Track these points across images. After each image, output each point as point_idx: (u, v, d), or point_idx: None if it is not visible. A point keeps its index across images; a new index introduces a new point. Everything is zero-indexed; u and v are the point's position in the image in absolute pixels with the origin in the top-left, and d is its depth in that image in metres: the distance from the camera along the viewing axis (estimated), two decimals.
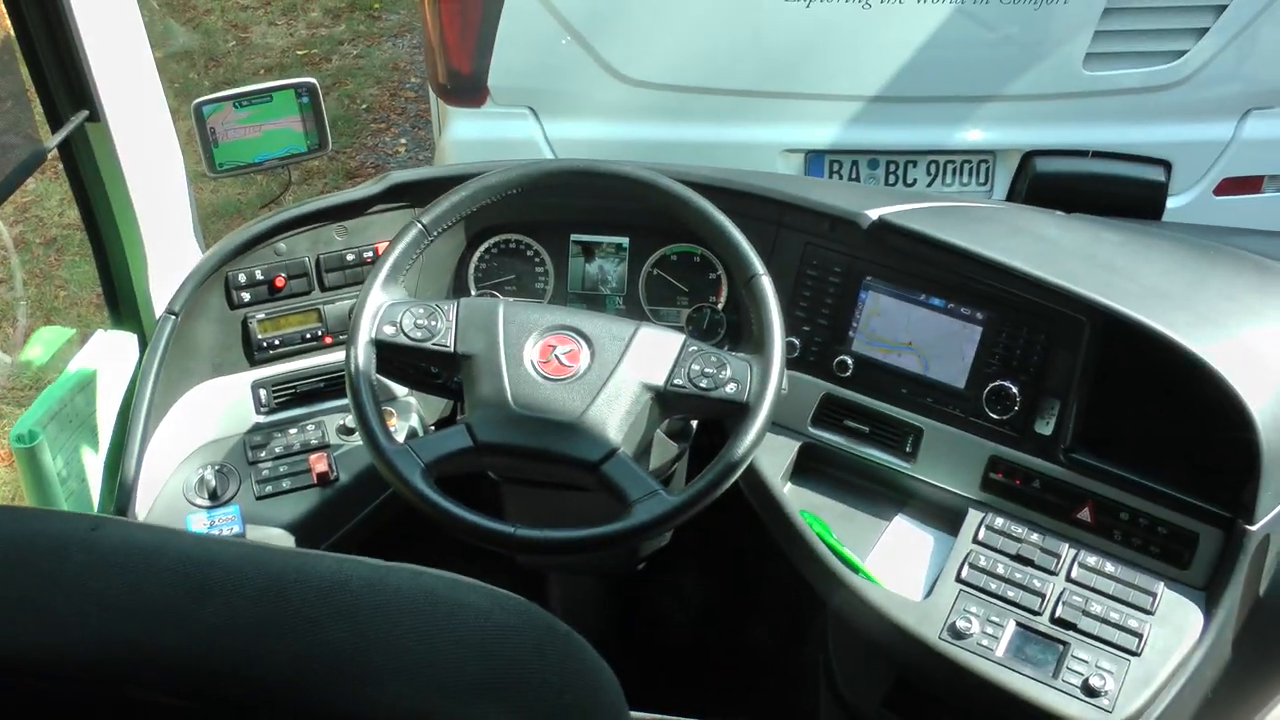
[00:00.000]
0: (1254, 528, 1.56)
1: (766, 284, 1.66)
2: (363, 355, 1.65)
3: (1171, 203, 3.34)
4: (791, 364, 1.91)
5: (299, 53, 5.87)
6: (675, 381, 1.64)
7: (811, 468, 1.91)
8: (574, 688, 0.71)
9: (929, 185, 3.39)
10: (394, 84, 5.65)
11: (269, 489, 1.89)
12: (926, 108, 3.32)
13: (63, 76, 1.74)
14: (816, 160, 3.39)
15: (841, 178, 3.40)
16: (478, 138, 3.40)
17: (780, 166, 3.36)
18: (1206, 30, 3.16)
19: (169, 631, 0.66)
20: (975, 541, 1.72)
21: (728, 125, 3.38)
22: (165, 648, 0.65)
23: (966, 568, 1.69)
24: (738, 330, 2.02)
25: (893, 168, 3.40)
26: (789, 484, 1.89)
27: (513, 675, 0.70)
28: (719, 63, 3.29)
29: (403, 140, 5.27)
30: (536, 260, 2.08)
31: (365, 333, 1.66)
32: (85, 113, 1.76)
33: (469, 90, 3.36)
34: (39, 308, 4.32)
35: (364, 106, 5.48)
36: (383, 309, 1.68)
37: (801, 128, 3.37)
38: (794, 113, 3.35)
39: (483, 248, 2.08)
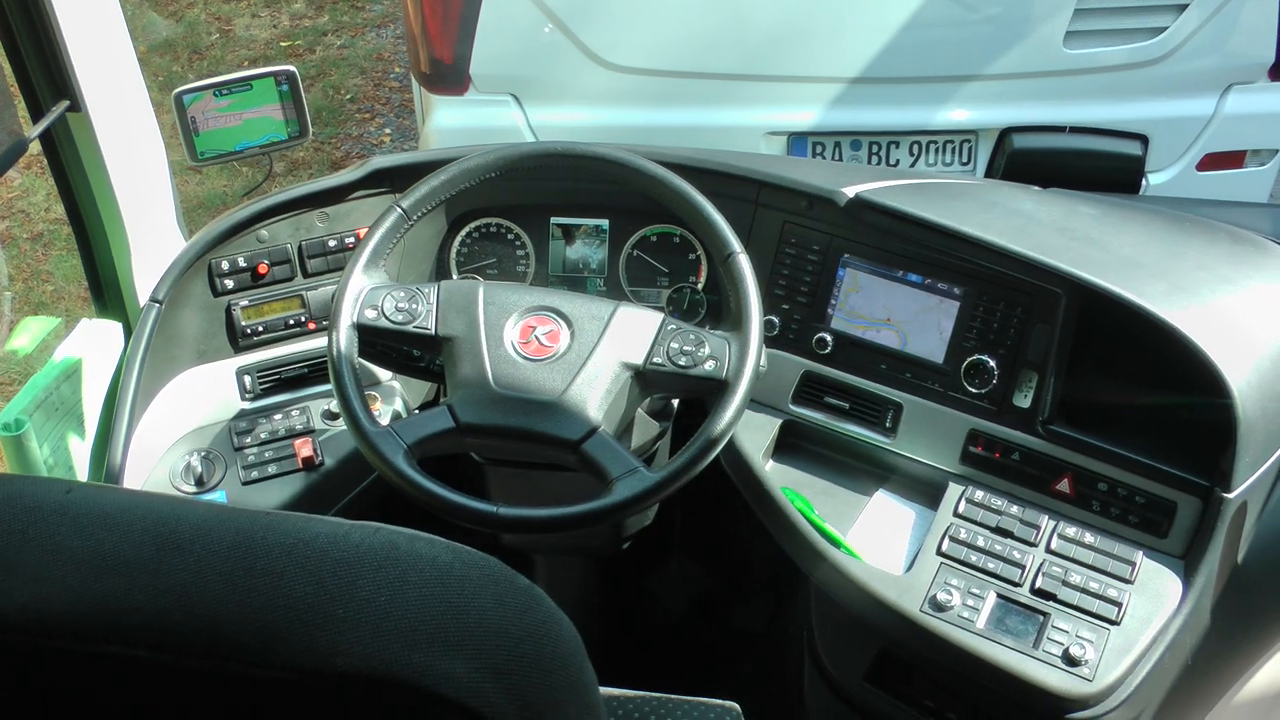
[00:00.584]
0: (1231, 495, 1.58)
1: (744, 261, 1.67)
2: (344, 339, 1.66)
3: (1155, 178, 3.37)
4: (771, 342, 1.93)
5: (283, 44, 5.87)
6: (654, 360, 1.66)
7: (793, 445, 1.92)
8: (533, 637, 0.73)
9: (912, 165, 3.41)
10: (378, 74, 5.65)
11: (255, 474, 1.90)
12: (908, 88, 3.34)
13: (43, 66, 1.74)
14: (799, 142, 3.40)
15: (823, 158, 3.41)
16: (461, 125, 3.41)
17: (764, 149, 3.38)
18: (1186, 6, 3.18)
19: (138, 588, 0.68)
20: (955, 515, 1.73)
21: (711, 109, 3.39)
22: (136, 605, 0.67)
23: (947, 540, 1.70)
24: (718, 310, 2.03)
25: (875, 148, 3.41)
26: (771, 461, 1.90)
27: (471, 625, 0.71)
28: (701, 47, 3.30)
29: (387, 130, 5.27)
30: (517, 243, 2.09)
31: (347, 317, 1.67)
32: (66, 103, 1.77)
33: (451, 78, 3.37)
34: (25, 302, 4.32)
35: (348, 97, 5.48)
36: (364, 293, 1.69)
37: (784, 110, 3.38)
38: (776, 95, 3.37)
39: (464, 232, 2.09)
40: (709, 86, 3.36)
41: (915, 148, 3.40)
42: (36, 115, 1.77)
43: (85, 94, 1.78)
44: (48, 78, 1.75)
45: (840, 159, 3.41)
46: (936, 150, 3.40)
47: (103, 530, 0.70)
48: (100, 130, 1.82)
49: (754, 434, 1.87)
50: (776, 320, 1.94)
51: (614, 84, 3.35)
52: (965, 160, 3.40)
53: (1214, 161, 3.38)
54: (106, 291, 1.98)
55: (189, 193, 4.80)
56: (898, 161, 3.41)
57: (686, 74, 3.35)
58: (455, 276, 2.08)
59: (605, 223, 2.07)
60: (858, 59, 3.30)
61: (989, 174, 2.49)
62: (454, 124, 3.42)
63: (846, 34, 3.28)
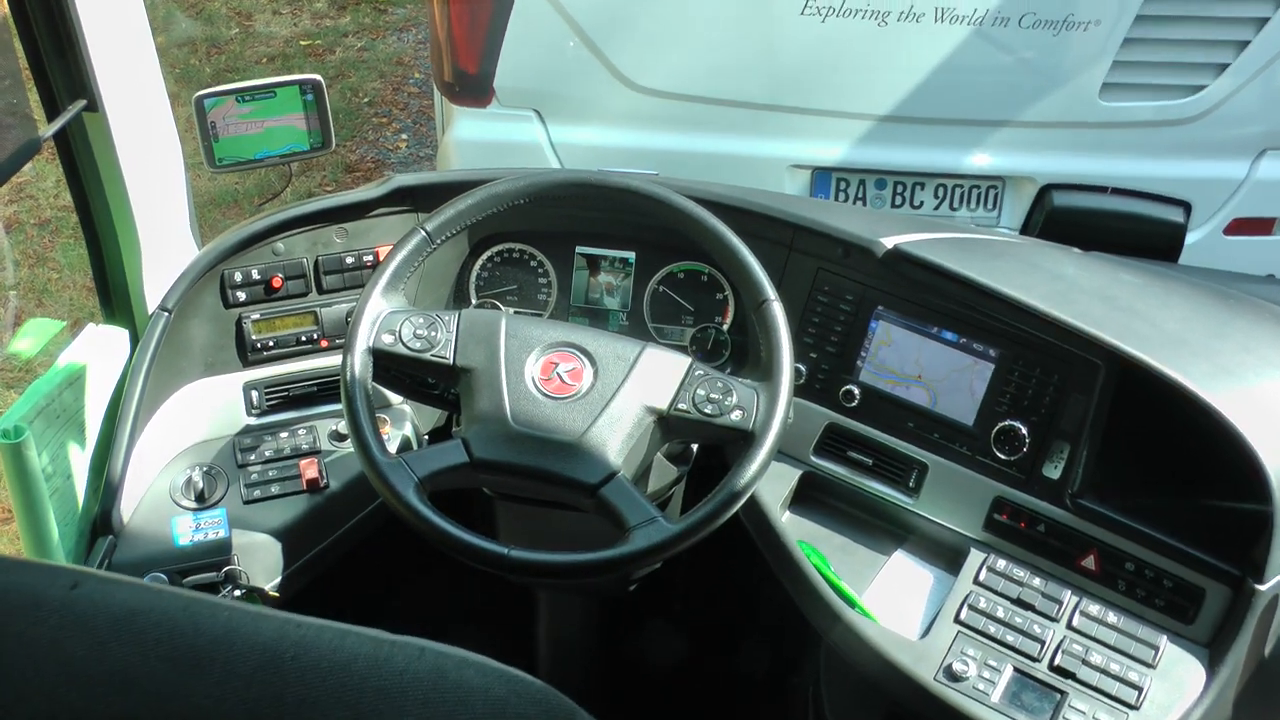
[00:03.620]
0: (1264, 588, 1.53)
1: (778, 310, 1.63)
2: (359, 363, 1.62)
3: None
4: (797, 391, 1.88)
5: (302, 43, 5.83)
6: (679, 406, 1.61)
7: (812, 497, 1.88)
8: None
9: (936, 209, 3.37)
10: (397, 78, 5.61)
11: (257, 493, 1.86)
12: (937, 130, 3.30)
13: (62, 65, 1.70)
14: (823, 177, 3.36)
15: (848, 197, 3.38)
16: (481, 139, 3.37)
17: (787, 182, 3.34)
18: (1227, 66, 3.14)
19: (148, 713, 0.60)
20: (976, 582, 1.69)
21: (735, 138, 3.35)
22: None
23: (966, 609, 1.66)
24: (743, 352, 1.99)
25: (900, 189, 3.37)
26: (788, 512, 1.86)
27: None
28: (729, 74, 3.27)
29: (404, 136, 5.24)
30: (540, 271, 2.05)
31: (363, 340, 1.63)
32: (83, 102, 1.73)
33: (475, 90, 3.33)
34: (31, 289, 4.27)
35: (366, 100, 5.44)
36: (382, 317, 1.65)
37: (810, 144, 3.34)
38: (803, 128, 3.33)
39: (485, 256, 2.05)
40: (735, 115, 3.32)
41: (941, 190, 3.36)
42: (52, 114, 1.73)
43: (104, 95, 1.73)
44: (65, 76, 1.71)
45: (864, 197, 3.37)
46: (962, 195, 3.36)
47: (111, 638, 0.62)
48: (117, 132, 1.77)
49: (773, 484, 1.83)
50: (803, 369, 1.90)
51: (639, 106, 3.31)
52: (990, 206, 3.36)
53: (1242, 226, 3.34)
54: (114, 297, 1.94)
55: (200, 188, 4.76)
56: (922, 204, 3.37)
57: (713, 100, 3.31)
58: (474, 301, 2.04)
59: (632, 255, 2.03)
60: (888, 97, 3.26)
61: (1026, 229, 2.45)
62: (474, 137, 3.37)
63: (878, 71, 3.24)
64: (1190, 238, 3.29)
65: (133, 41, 1.78)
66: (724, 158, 3.33)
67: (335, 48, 5.82)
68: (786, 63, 3.25)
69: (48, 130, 1.70)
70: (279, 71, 5.60)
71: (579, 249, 2.03)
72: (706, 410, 1.60)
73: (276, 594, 1.83)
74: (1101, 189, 2.33)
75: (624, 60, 3.23)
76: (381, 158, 5.09)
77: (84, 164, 1.82)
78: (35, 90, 1.74)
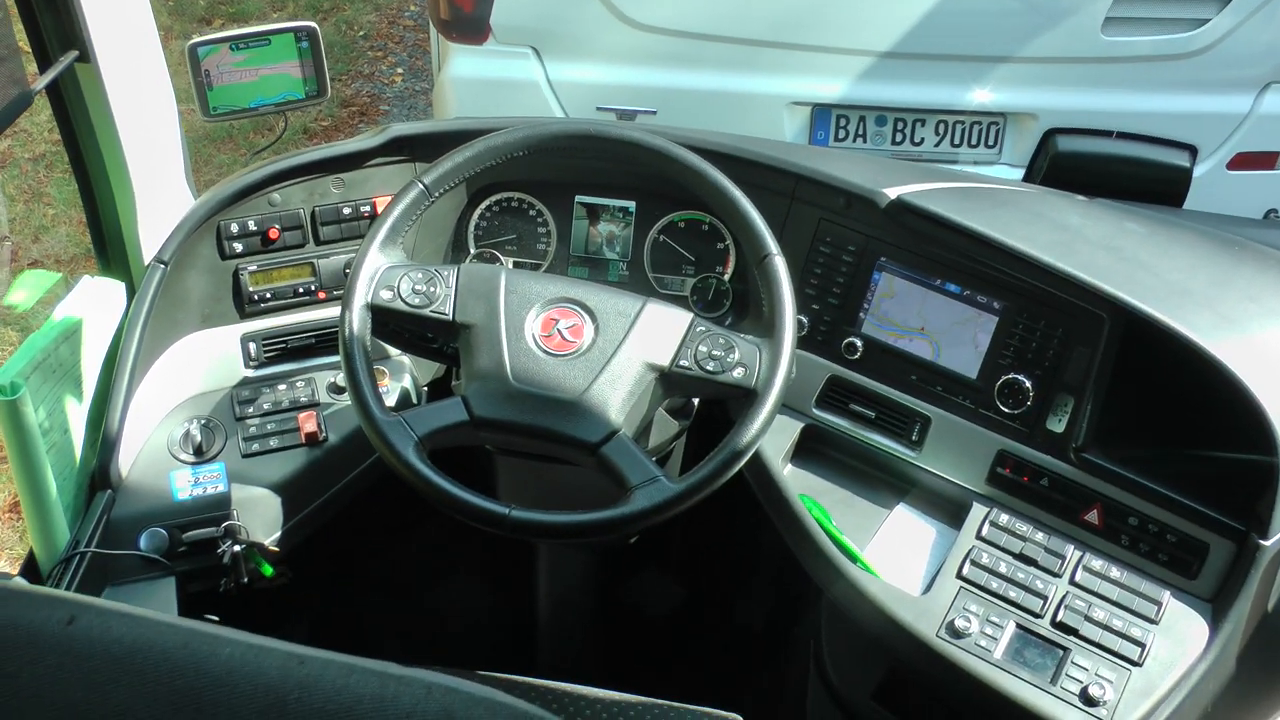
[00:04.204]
0: (1268, 542, 1.52)
1: (780, 265, 1.60)
2: (357, 320, 1.60)
3: None
4: (799, 343, 1.86)
5: None
6: (681, 363, 1.60)
7: (813, 450, 1.87)
8: None
9: (937, 145, 3.33)
10: (393, 11, 5.52)
11: (255, 447, 1.85)
12: (938, 66, 3.25)
13: (53, 15, 1.65)
14: (823, 114, 3.32)
15: (847, 134, 3.34)
16: (478, 76, 3.32)
17: (786, 120, 3.30)
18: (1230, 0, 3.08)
19: None
20: (978, 537, 1.68)
21: (734, 75, 3.30)
22: None
23: (968, 564, 1.65)
24: (744, 302, 1.97)
25: (900, 125, 3.33)
26: (789, 465, 1.85)
27: None
28: (728, 10, 3.21)
29: (399, 70, 5.16)
30: (539, 220, 2.02)
31: (361, 296, 1.61)
32: (75, 53, 1.68)
33: (471, 27, 3.27)
34: (26, 226, 4.23)
35: (361, 33, 5.35)
36: (380, 272, 1.63)
37: (809, 81, 3.30)
38: (802, 65, 3.28)
39: (484, 205, 2.02)
40: (733, 51, 3.27)
41: (941, 127, 3.32)
42: (43, 65, 1.68)
43: (95, 45, 1.69)
44: (57, 27, 1.67)
45: (864, 134, 3.33)
46: (963, 132, 3.32)
47: (109, 679, 0.60)
48: (110, 83, 1.73)
49: (774, 436, 1.81)
50: (805, 321, 1.87)
51: (637, 42, 3.26)
52: (991, 143, 3.32)
53: (1245, 161, 3.30)
54: (110, 249, 1.91)
55: (193, 122, 4.68)
56: (923, 140, 3.33)
57: (711, 37, 3.26)
58: (473, 250, 2.01)
59: (632, 204, 2.00)
60: (888, 32, 3.21)
61: (1030, 174, 2.41)
62: (471, 74, 3.32)
63: (878, 6, 3.19)
64: (1194, 171, 3.28)
65: None
66: (723, 95, 3.29)
67: None
68: None
69: (40, 82, 1.66)
70: (273, 5, 5.50)
71: (579, 198, 2.01)
72: (709, 367, 1.58)
73: (276, 548, 1.82)
74: (1107, 133, 2.29)
75: None
76: (377, 92, 5.02)
77: (77, 116, 1.78)
78: (26, 42, 1.69)
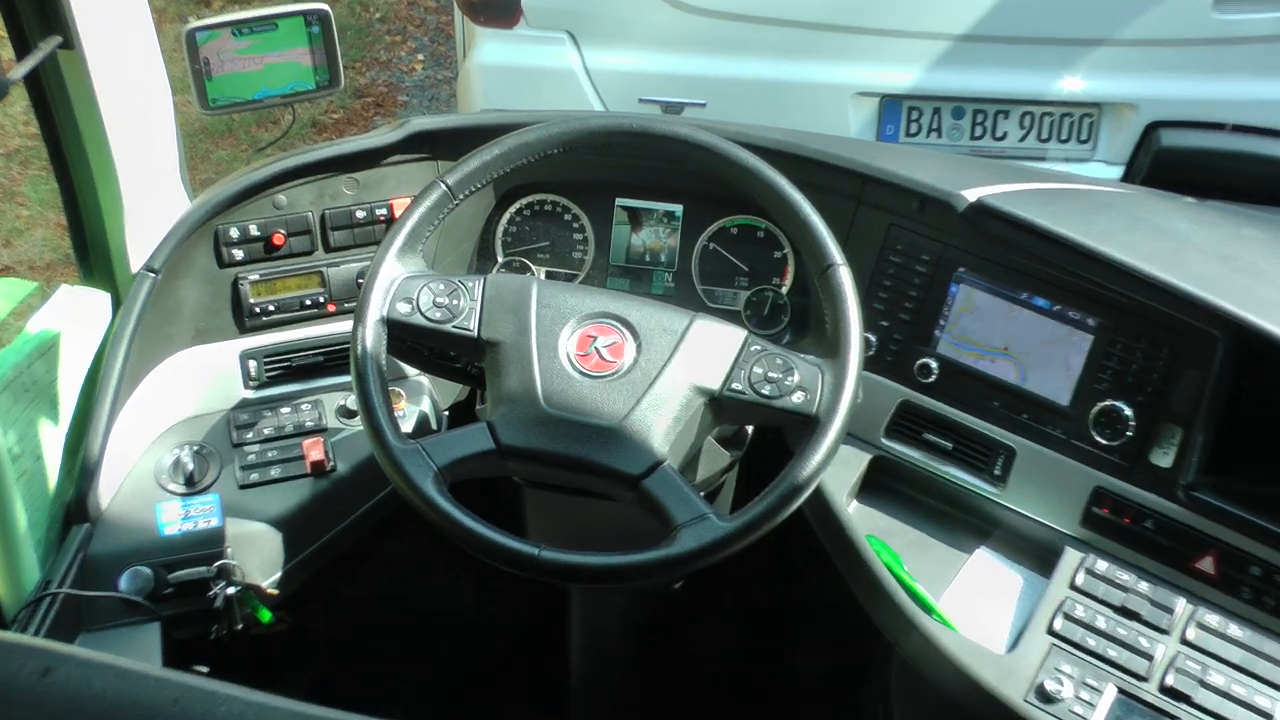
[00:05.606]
0: None
1: (845, 277, 1.59)
2: (371, 335, 1.60)
3: None
4: (866, 364, 1.85)
5: None
6: (733, 386, 1.58)
7: (882, 485, 1.85)
8: None
9: (1022, 140, 3.31)
10: None
11: (254, 476, 1.85)
12: (1024, 50, 3.23)
13: None
14: (893, 107, 3.31)
15: (921, 128, 3.33)
16: (507, 63, 3.34)
17: (851, 112, 3.29)
18: None
19: None
20: (1072, 587, 1.65)
21: (794, 62, 3.31)
22: None
23: (1060, 618, 1.62)
24: (804, 317, 1.96)
25: (981, 119, 3.32)
26: (855, 502, 1.83)
27: None
28: None
29: (420, 56, 5.20)
30: (575, 225, 2.02)
31: (376, 309, 1.61)
32: (58, 39, 1.69)
33: (500, 9, 3.29)
34: None
35: (377, 15, 5.40)
36: (398, 283, 1.63)
37: (878, 68, 3.30)
38: (870, 51, 3.28)
39: (514, 208, 2.02)
40: (793, 36, 3.27)
41: (1027, 120, 3.30)
42: (22, 52, 1.69)
43: (81, 29, 1.70)
44: (38, 10, 1.68)
45: (939, 128, 3.32)
46: (1052, 125, 3.30)
47: None
48: (96, 71, 1.74)
49: (838, 469, 1.80)
50: (874, 339, 1.86)
51: (685, 26, 3.27)
52: (1085, 138, 3.30)
53: None
54: (94, 256, 1.92)
55: (188, 114, 4.73)
56: (1005, 134, 3.31)
57: (768, 20, 3.26)
58: (500, 259, 2.02)
59: (679, 209, 1.99)
60: (967, 12, 3.20)
61: (1130, 174, 2.39)
62: (500, 61, 3.34)
63: None
64: None
65: None
66: (780, 85, 3.29)
67: None
68: None
69: (17, 70, 1.67)
70: None
71: (619, 201, 2.00)
72: (764, 391, 1.57)
73: (275, 590, 1.83)
74: (1219, 126, 2.26)
75: None
76: (395, 81, 5.05)
77: (59, 107, 1.79)
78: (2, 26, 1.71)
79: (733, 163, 1.66)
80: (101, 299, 1.90)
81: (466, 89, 3.42)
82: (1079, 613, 1.62)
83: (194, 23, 1.83)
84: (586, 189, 2.01)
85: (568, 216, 2.02)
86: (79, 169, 1.85)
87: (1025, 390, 1.77)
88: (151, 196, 1.92)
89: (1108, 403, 1.71)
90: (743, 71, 3.29)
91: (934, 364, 1.83)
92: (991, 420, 1.79)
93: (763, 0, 3.23)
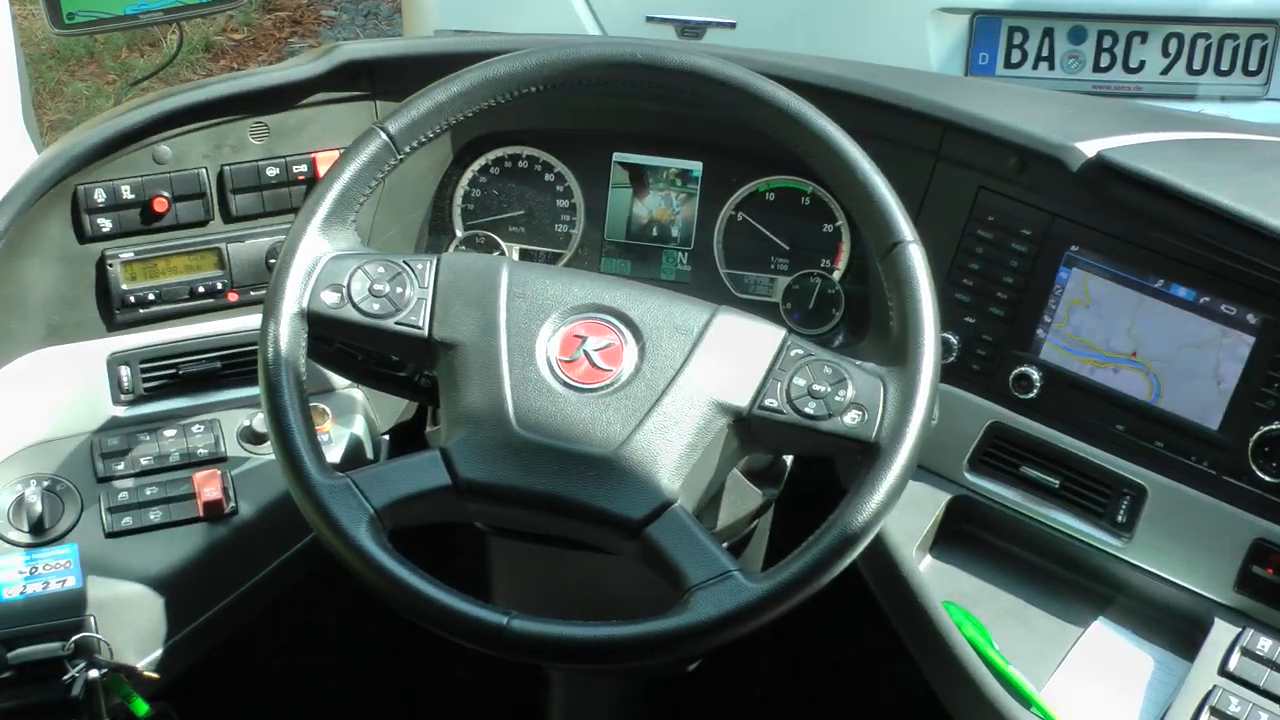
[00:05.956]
0: None
1: (918, 257, 1.61)
2: (287, 332, 1.62)
3: None
4: (945, 374, 1.86)
5: None
6: (767, 403, 1.61)
7: (965, 534, 1.89)
8: None
9: (1164, 73, 3.34)
10: None
11: (127, 521, 1.88)
12: None
13: None
14: (988, 26, 3.34)
15: (1025, 56, 3.36)
16: None
17: (931, 34, 3.32)
18: None
19: None
20: (1223, 673, 1.68)
21: None
22: None
23: (1207, 713, 1.65)
24: (862, 313, 1.99)
25: (1108, 43, 3.35)
26: (928, 557, 1.87)
27: None
28: None
29: None
30: (559, 188, 2.05)
31: (293, 299, 1.63)
32: None
33: None
34: None
35: None
36: (322, 263, 1.65)
37: None
38: None
39: (478, 165, 2.05)
40: None
41: (1174, 44, 3.33)
42: None
43: None
44: None
45: (1050, 57, 3.35)
46: (1208, 51, 3.32)
47: None
48: None
49: (906, 513, 1.82)
50: (954, 341, 1.90)
51: None
52: (1254, 68, 3.33)
53: None
54: None
55: (35, 33, 4.77)
56: (1142, 64, 3.34)
57: None
58: (460, 233, 2.05)
59: (697, 167, 2.02)
60: None
61: None
62: None
63: None
64: None
65: None
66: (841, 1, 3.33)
67: None
68: None
69: None
70: None
71: (618, 157, 2.04)
72: (808, 409, 1.59)
73: (154, 674, 1.85)
74: None
75: None
76: (318, 5, 5.08)
77: None
78: None
79: (770, 104, 1.67)
80: None
81: (414, 6, 3.45)
82: (1233, 707, 1.65)
83: None
84: (574, 141, 2.04)
85: (549, 177, 2.05)
86: None
87: (1160, 410, 1.80)
88: None
89: (1273, 426, 1.74)
90: None
91: (1036, 374, 1.86)
92: (1113, 449, 1.82)
93: None
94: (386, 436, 2.05)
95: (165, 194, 1.96)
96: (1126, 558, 1.81)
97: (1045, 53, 3.34)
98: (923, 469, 1.87)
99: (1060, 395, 1.85)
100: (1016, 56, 3.34)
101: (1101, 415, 1.84)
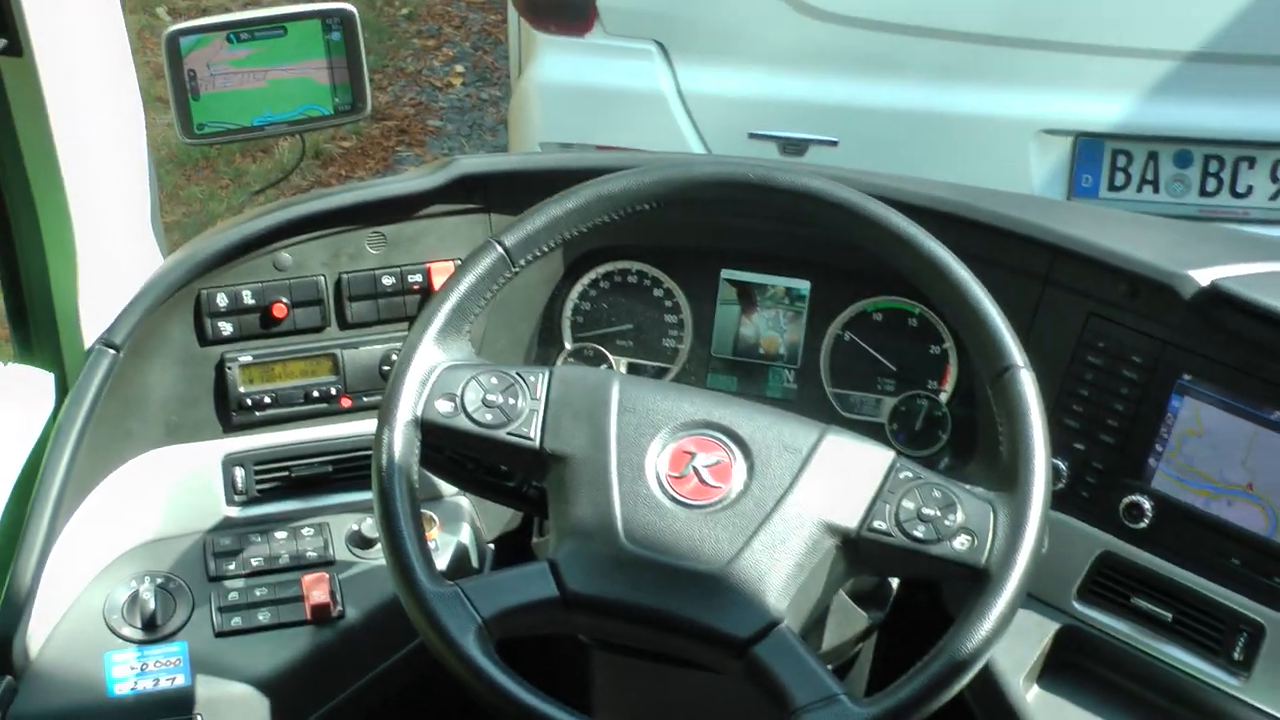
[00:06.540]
0: None
1: (1028, 383, 1.60)
2: (401, 441, 1.62)
3: None
4: (1055, 501, 1.84)
5: None
6: (875, 525, 1.59)
7: (1074, 666, 1.86)
8: None
9: (1272, 198, 3.31)
10: None
11: (237, 621, 1.88)
12: (1275, 72, 3.25)
13: None
14: (1091, 149, 3.33)
15: (1130, 179, 3.34)
16: (577, 82, 3.39)
17: (1034, 157, 3.32)
18: None
19: None
20: None
21: (956, 87, 3.34)
22: None
23: None
24: (969, 435, 1.97)
25: (1214, 167, 3.32)
26: (1036, 687, 1.84)
27: None
28: None
29: (458, 68, 5.29)
30: (668, 304, 2.05)
31: (407, 407, 1.63)
32: (3, 42, 1.75)
33: (570, 9, 3.35)
34: None
35: (403, 12, 5.52)
36: (437, 373, 1.66)
37: (1070, 97, 3.33)
38: (1059, 72, 3.31)
39: (588, 279, 2.06)
40: (957, 53, 3.31)
41: None
42: None
43: (32, 32, 1.75)
44: None
45: (1155, 180, 3.33)
46: None
47: None
48: (49, 86, 1.79)
49: (1014, 642, 1.79)
50: (1064, 468, 1.87)
51: (812, 37, 3.30)
52: None
53: None
54: (34, 326, 1.97)
55: (158, 137, 4.83)
56: (1250, 189, 3.32)
57: (924, 31, 3.30)
58: (569, 345, 2.05)
59: (805, 286, 2.02)
60: (1196, 22, 3.22)
61: None
62: (567, 79, 3.40)
63: None
64: None
65: None
66: (938, 118, 3.32)
67: None
68: None
69: None
70: None
71: (725, 274, 2.03)
72: (916, 533, 1.57)
73: None
74: None
75: None
76: (425, 100, 5.14)
77: None
78: None
79: (880, 226, 1.67)
80: (43, 381, 1.94)
81: (523, 115, 3.47)
82: None
83: (177, 23, 1.86)
84: (682, 257, 2.04)
85: (658, 292, 2.05)
86: (19, 210, 1.89)
87: (1278, 544, 1.77)
88: (114, 248, 1.95)
89: None
90: (887, 99, 3.34)
91: (1147, 503, 1.83)
92: (1229, 584, 1.79)
93: (917, 5, 3.27)
94: (492, 545, 2.04)
95: (284, 300, 1.97)
96: (1244, 697, 1.76)
97: (1150, 176, 3.32)
98: (1031, 597, 1.84)
99: (1173, 526, 1.82)
100: (1120, 180, 3.32)
101: (1216, 548, 1.80)
